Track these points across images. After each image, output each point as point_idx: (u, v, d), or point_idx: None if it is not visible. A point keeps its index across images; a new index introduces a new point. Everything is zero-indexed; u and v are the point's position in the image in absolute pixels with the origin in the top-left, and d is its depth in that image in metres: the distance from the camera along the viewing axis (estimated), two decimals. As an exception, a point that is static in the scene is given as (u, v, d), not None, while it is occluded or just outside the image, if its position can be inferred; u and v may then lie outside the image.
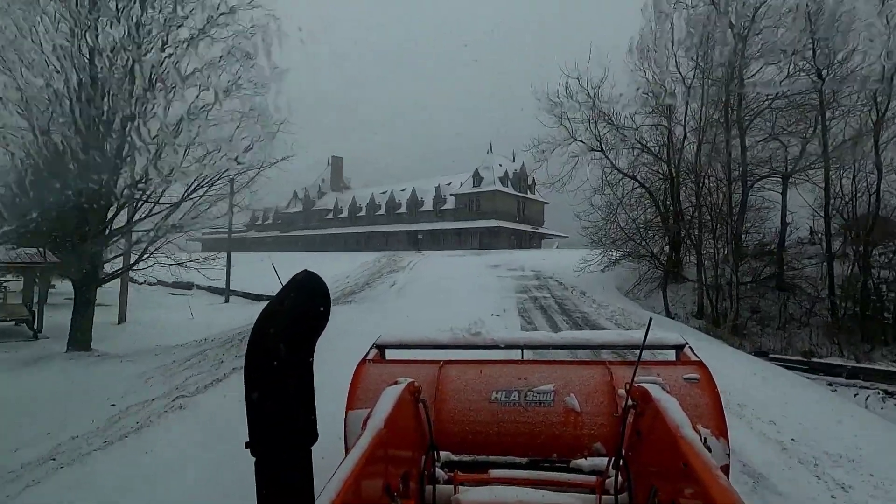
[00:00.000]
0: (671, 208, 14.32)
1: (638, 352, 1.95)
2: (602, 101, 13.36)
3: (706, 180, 13.08)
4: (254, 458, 0.85)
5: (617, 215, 14.71)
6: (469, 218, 49.26)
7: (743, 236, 12.01)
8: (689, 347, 2.80)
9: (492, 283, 14.02)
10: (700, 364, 2.56)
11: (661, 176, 14.66)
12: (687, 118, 12.91)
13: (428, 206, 54.58)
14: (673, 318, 13.70)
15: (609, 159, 13.88)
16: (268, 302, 0.95)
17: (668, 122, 13.61)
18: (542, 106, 13.65)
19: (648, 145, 14.23)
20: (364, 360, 2.87)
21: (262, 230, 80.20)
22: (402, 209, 57.25)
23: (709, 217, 13.29)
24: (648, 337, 1.90)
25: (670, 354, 2.87)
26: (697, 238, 13.38)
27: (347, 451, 1.69)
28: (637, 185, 14.29)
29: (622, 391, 2.19)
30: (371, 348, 3.06)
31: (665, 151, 13.90)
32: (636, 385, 1.93)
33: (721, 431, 2.20)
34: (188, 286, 29.40)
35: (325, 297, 0.96)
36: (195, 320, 16.83)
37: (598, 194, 14.85)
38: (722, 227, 12.98)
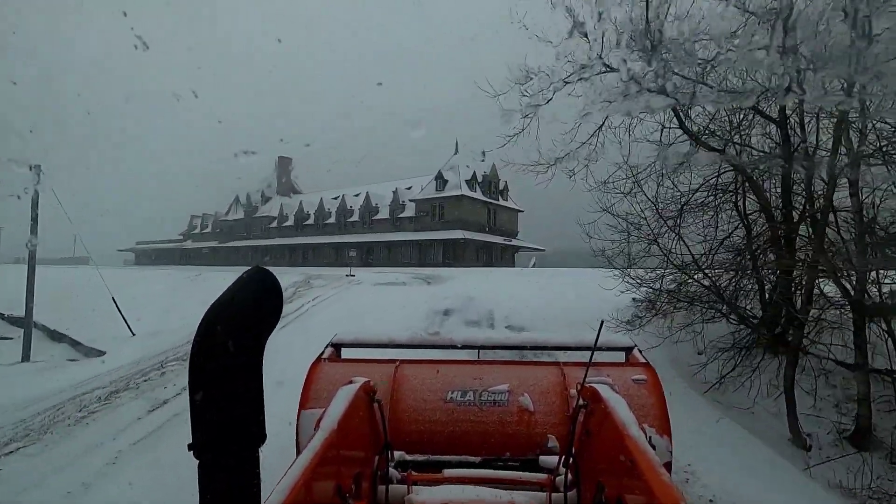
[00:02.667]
0: (786, 213, 7.27)
1: (590, 353, 2.01)
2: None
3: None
4: (197, 462, 0.82)
5: (678, 227, 7.59)
6: (431, 227, 41.90)
7: None
8: (638, 349, 2.88)
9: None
10: (647, 366, 2.66)
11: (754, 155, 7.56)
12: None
13: (384, 213, 47.02)
14: (808, 449, 6.56)
15: (678, 111, 6.61)
16: (216, 299, 0.87)
17: (783, 37, 6.47)
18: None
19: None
20: (319, 359, 2.80)
21: (200, 240, 70.86)
22: (355, 217, 49.47)
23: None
24: (599, 339, 1.96)
25: (620, 356, 2.91)
26: (858, 279, 6.33)
27: (299, 451, 1.66)
28: (724, 167, 7.06)
29: (574, 391, 2.35)
30: (327, 346, 2.97)
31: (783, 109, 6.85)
32: (587, 385, 1.98)
33: (665, 430, 2.30)
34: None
35: (277, 294, 0.93)
36: None
37: (636, 191, 7.65)
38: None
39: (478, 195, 41.40)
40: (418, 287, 14.96)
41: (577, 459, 1.97)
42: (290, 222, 56.15)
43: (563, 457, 2.01)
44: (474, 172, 41.82)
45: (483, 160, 44.54)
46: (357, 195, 50.76)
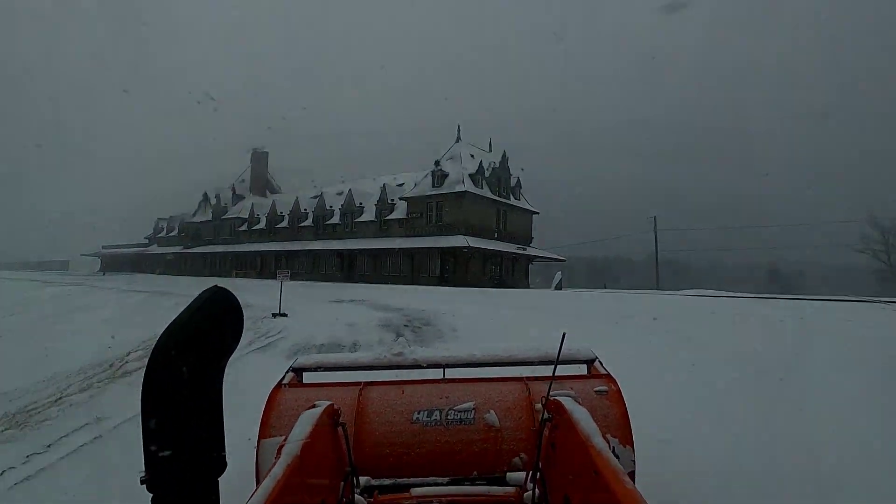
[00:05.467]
0: None
1: (553, 367, 1.99)
2: None
3: None
4: (150, 496, 0.77)
5: None
6: (425, 232, 33.55)
7: None
8: (599, 361, 2.85)
9: None
10: (609, 377, 2.61)
11: None
12: None
13: (370, 214, 38.73)
14: None
15: None
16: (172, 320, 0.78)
17: None
18: None
19: None
20: (279, 385, 2.61)
21: (165, 244, 62.47)
22: (335, 218, 41.15)
23: None
24: (562, 352, 1.96)
25: (583, 368, 2.85)
26: None
27: (259, 482, 1.48)
28: None
29: (539, 405, 2.30)
30: (287, 371, 2.80)
31: None
32: (551, 398, 1.97)
33: (627, 440, 2.29)
34: None
35: (237, 314, 0.89)
36: None
37: None
38: None
39: (485, 192, 33.11)
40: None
41: (544, 473, 1.92)
42: (261, 225, 47.89)
43: (531, 471, 1.99)
44: (481, 163, 33.51)
45: (490, 149, 36.31)
46: (340, 193, 42.48)
